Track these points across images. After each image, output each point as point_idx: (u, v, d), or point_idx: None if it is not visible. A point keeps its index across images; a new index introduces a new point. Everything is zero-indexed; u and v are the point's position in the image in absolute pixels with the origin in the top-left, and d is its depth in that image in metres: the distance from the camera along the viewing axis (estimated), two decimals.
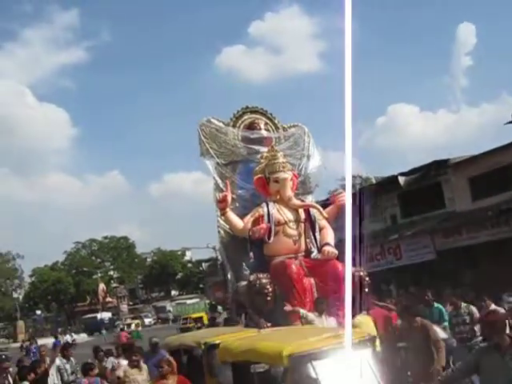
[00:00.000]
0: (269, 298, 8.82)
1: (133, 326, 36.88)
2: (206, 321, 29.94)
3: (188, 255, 72.95)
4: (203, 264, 51.20)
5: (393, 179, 21.25)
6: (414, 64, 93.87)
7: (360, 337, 5.20)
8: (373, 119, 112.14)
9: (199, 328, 24.37)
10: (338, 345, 4.57)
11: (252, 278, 9.05)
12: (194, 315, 37.49)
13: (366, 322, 7.56)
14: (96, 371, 8.62)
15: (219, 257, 36.60)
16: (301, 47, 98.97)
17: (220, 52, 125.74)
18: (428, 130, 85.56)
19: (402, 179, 20.48)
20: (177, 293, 75.36)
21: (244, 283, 9.61)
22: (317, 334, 5.27)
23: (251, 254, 9.48)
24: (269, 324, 8.18)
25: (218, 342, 6.64)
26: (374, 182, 27.83)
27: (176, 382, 6.40)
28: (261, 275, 9.02)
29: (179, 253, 72.37)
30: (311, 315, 7.98)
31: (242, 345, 5.53)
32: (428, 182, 20.07)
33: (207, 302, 46.26)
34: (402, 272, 20.02)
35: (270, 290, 8.82)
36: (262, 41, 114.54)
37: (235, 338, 6.20)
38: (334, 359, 4.62)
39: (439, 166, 19.64)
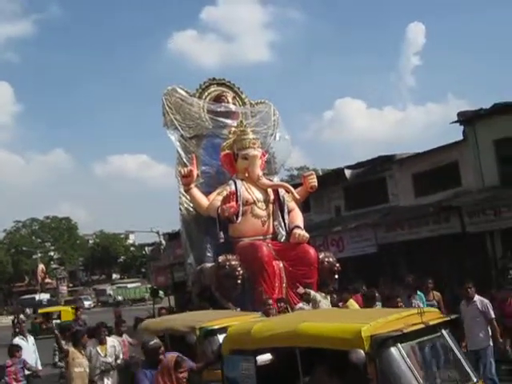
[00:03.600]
0: (239, 281, 7.81)
1: None
2: (70, 317, 18.10)
3: (131, 239, 70.27)
4: (146, 248, 49.09)
5: (339, 172, 20.70)
6: (362, 59, 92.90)
7: (440, 317, 4.17)
8: (320, 112, 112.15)
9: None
10: (421, 325, 3.72)
11: (221, 259, 7.95)
12: (42, 310, 25.49)
13: (354, 306, 6.82)
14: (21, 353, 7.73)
15: (162, 241, 34.88)
16: (252, 36, 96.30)
17: (171, 36, 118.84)
18: (374, 126, 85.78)
19: (348, 172, 20.04)
20: (118, 276, 72.45)
21: (209, 265, 8.47)
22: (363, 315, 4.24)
23: (221, 234, 8.28)
24: (238, 308, 7.10)
25: (217, 326, 5.41)
26: (320, 173, 27.30)
27: None
28: (230, 257, 7.91)
29: (122, 236, 69.69)
30: (319, 296, 7.42)
31: (276, 327, 4.25)
32: (373, 177, 19.62)
33: (148, 286, 44.34)
34: (344, 264, 19.48)
35: (241, 272, 7.72)
36: (214, 27, 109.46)
37: (242, 322, 4.95)
38: (420, 342, 3.79)
39: (385, 161, 19.25)
